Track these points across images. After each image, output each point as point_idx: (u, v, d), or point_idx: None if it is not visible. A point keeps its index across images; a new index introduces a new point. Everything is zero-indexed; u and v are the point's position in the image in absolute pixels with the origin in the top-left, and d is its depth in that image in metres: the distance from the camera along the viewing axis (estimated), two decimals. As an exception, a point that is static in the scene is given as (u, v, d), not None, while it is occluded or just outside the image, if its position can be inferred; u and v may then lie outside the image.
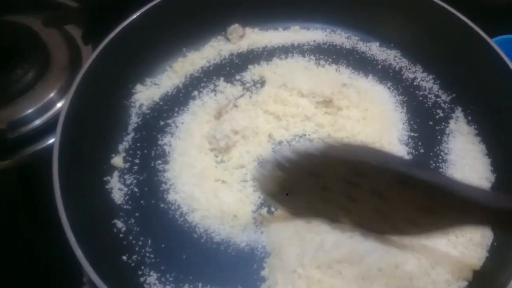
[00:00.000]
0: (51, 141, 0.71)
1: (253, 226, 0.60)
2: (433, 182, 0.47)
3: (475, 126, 0.70)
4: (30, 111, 0.71)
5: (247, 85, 0.74)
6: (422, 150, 0.68)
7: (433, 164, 0.67)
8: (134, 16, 0.70)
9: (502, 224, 0.49)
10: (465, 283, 0.57)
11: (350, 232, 0.57)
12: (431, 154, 0.68)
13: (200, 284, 0.56)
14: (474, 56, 0.71)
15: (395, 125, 0.70)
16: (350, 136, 0.67)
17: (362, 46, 0.79)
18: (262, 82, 0.74)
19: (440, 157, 0.67)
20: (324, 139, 0.67)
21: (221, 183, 0.63)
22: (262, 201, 0.62)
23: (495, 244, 0.60)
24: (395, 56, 0.78)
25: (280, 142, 0.68)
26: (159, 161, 0.66)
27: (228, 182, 0.63)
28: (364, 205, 0.53)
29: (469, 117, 0.71)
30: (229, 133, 0.66)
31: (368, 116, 0.69)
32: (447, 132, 0.70)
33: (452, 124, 0.71)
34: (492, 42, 0.68)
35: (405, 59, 0.78)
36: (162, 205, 0.62)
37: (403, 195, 0.49)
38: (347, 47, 0.79)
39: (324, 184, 0.53)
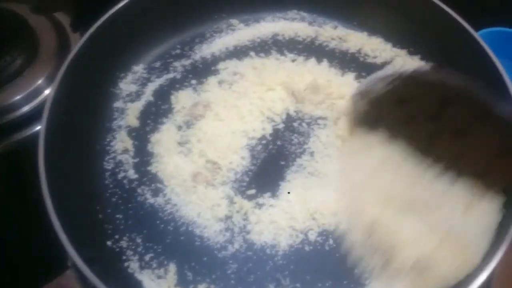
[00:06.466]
0: (39, 127, 0.71)
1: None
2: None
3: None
4: (18, 97, 0.72)
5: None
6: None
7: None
8: (122, 3, 0.70)
9: None
10: None
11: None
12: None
13: (186, 266, 0.58)
14: (459, 48, 0.71)
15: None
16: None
17: (348, 37, 0.79)
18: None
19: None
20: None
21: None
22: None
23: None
24: (381, 47, 0.79)
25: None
26: (147, 148, 0.67)
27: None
28: (443, 145, 0.51)
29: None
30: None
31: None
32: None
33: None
34: (476, 35, 0.68)
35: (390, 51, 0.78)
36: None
37: (485, 132, 0.49)
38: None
39: (410, 112, 0.52)
